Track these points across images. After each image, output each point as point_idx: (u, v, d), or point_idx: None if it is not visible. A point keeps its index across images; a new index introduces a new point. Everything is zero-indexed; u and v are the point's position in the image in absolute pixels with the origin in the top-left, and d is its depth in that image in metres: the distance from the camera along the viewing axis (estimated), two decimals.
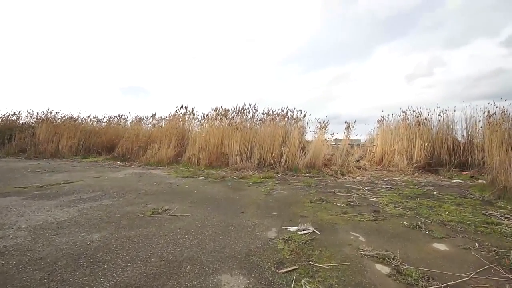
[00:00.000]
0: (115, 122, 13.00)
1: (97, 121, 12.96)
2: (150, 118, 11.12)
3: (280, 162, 8.08)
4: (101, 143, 12.25)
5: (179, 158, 9.33)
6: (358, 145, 14.04)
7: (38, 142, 12.11)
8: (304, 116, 9.41)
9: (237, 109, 9.41)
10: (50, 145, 11.78)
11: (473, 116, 8.86)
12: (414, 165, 8.29)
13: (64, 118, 12.97)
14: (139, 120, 11.44)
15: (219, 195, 4.66)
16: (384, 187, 5.84)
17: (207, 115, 9.49)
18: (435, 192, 5.28)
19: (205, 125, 9.59)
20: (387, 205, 4.08)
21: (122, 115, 12.93)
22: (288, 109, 9.33)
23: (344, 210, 3.73)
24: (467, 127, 8.86)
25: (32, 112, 13.03)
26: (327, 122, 8.86)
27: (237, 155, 8.44)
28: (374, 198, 4.60)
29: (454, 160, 8.42)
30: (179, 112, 10.03)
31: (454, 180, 6.98)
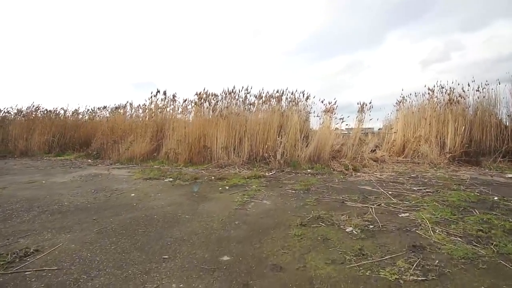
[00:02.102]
0: (97, 114, 11.50)
1: (76, 114, 11.51)
2: (127, 107, 9.55)
3: (275, 155, 6.39)
4: (79, 138, 10.84)
5: (155, 154, 7.75)
6: (373, 133, 12.23)
7: (10, 139, 10.84)
8: (307, 98, 7.63)
9: (226, 93, 7.70)
10: (21, 142, 10.47)
11: None
12: (448, 155, 6.44)
13: (43, 112, 11.60)
14: (116, 110, 9.89)
15: (163, 212, 3.04)
16: (416, 188, 4.08)
17: (185, 101, 7.82)
18: (496, 198, 3.50)
19: (185, 113, 7.95)
20: (433, 231, 2.35)
21: (105, 106, 11.40)
22: (286, 90, 7.56)
23: (358, 247, 2.04)
24: None
25: (15, 107, 11.64)
26: (335, 104, 7.05)
27: (222, 148, 6.79)
28: (407, 213, 2.87)
29: (501, 148, 6.51)
30: (155, 99, 8.40)
31: (509, 175, 5.13)
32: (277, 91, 7.32)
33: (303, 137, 7.05)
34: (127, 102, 9.55)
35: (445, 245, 2.06)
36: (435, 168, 6.06)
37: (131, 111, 9.53)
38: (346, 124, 7.47)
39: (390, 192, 3.85)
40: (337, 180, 4.89)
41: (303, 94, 7.63)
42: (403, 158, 7.80)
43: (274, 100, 7.30)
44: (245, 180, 4.93)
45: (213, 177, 5.26)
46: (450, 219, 2.67)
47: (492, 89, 7.11)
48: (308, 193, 3.90)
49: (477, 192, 3.80)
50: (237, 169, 6.25)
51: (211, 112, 7.36)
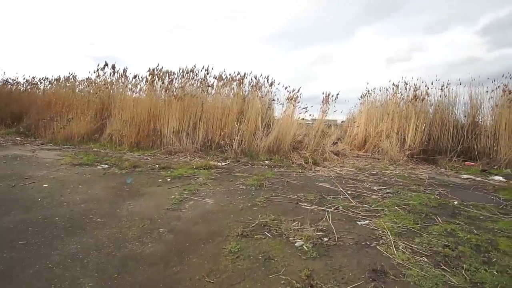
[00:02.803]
0: (37, 86, 9.97)
1: (10, 84, 9.94)
2: (71, 79, 8.32)
3: (232, 144, 5.83)
4: (11, 112, 9.36)
5: (98, 135, 6.82)
6: (336, 125, 12.14)
7: None
8: (272, 84, 7.10)
9: (183, 72, 6.90)
10: None
11: (479, 93, 6.96)
12: (408, 152, 6.35)
13: None
14: (57, 82, 8.60)
15: (71, 213, 2.38)
16: (376, 188, 3.78)
17: (135, 77, 6.91)
18: (456, 202, 3.28)
19: (136, 91, 7.05)
20: (396, 247, 1.98)
21: (47, 78, 9.86)
22: (250, 74, 6.95)
23: (307, 272, 1.58)
24: (472, 104, 6.97)
25: None
26: (298, 92, 6.61)
27: (173, 132, 6.08)
28: (366, 221, 2.50)
29: (456, 147, 6.56)
30: (102, 73, 7.35)
31: (465, 176, 5.09)
32: (238, 73, 6.69)
33: (265, 125, 6.56)
34: (70, 73, 8.31)
35: (410, 269, 1.67)
36: (394, 165, 5.92)
37: (75, 84, 8.33)
38: (310, 114, 7.11)
39: (349, 192, 3.50)
40: (294, 175, 4.48)
41: (267, 79, 7.09)
42: (363, 152, 7.67)
43: (235, 83, 6.67)
44: (193, 171, 4.34)
45: (157, 166, 4.59)
46: (413, 229, 2.34)
47: (452, 89, 7.14)
48: (261, 190, 3.43)
49: (437, 195, 3.59)
50: (189, 157, 5.62)
51: (164, 92, 6.55)
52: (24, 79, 9.97)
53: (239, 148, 5.89)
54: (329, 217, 2.54)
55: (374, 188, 3.78)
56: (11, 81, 10.14)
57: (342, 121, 12.47)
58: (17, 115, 9.13)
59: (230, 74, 6.87)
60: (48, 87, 8.84)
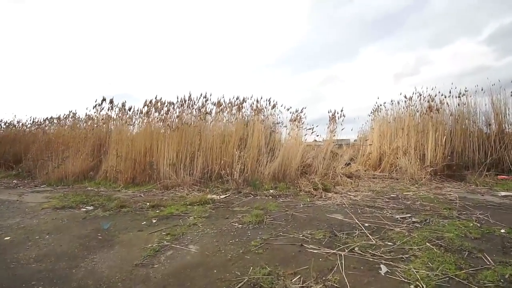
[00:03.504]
0: (41, 126, 9.90)
1: (13, 125, 9.95)
2: (69, 117, 8.18)
3: (231, 173, 5.33)
4: (15, 154, 9.25)
5: (94, 172, 6.47)
6: (347, 144, 11.54)
7: None
8: (274, 107, 6.70)
9: (181, 101, 6.59)
10: None
11: (502, 98, 6.33)
12: (429, 168, 5.67)
13: None
14: (58, 121, 8.48)
15: (8, 278, 1.88)
16: (398, 216, 3.15)
17: (129, 109, 6.64)
18: (502, 231, 2.62)
19: (133, 125, 6.76)
20: None
21: (52, 118, 9.78)
22: (252, 98, 6.57)
23: None
24: (496, 111, 6.31)
25: None
26: (302, 112, 6.16)
27: (169, 165, 5.65)
28: (391, 267, 1.89)
29: (485, 160, 5.84)
30: (99, 108, 7.15)
31: (503, 193, 4.36)
32: (237, 98, 6.33)
33: (269, 150, 6.07)
34: (70, 111, 8.18)
35: None
36: (416, 185, 5.24)
37: (73, 122, 8.17)
38: (317, 135, 6.58)
39: (366, 224, 2.89)
40: (302, 205, 3.89)
41: (269, 101, 6.70)
42: (380, 172, 7.01)
43: (235, 108, 6.30)
44: (185, 208, 3.83)
45: (147, 204, 4.11)
46: (457, 278, 1.72)
47: (471, 96, 6.53)
48: (259, 229, 2.87)
49: (476, 221, 2.93)
50: (186, 191, 5.14)
51: (161, 123, 6.22)
52: (31, 119, 9.95)
53: (241, 177, 5.37)
54: (342, 265, 1.95)
55: (397, 216, 3.15)
56: (16, 123, 10.17)
57: (354, 140, 11.86)
58: (19, 156, 9.00)
59: (230, 100, 6.53)
60: (49, 127, 8.70)
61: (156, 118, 6.34)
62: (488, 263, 1.93)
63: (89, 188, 5.75)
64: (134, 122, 6.53)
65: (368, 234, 2.57)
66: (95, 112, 7.40)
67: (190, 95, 6.49)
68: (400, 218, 3.09)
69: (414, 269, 1.85)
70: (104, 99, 7.24)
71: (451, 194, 4.39)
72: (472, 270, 1.83)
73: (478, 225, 2.79)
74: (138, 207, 3.97)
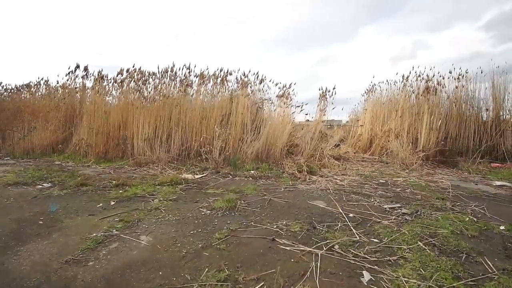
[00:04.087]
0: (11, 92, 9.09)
1: None
2: (41, 85, 7.51)
3: (211, 151, 4.92)
4: None
5: (63, 145, 5.98)
6: (339, 125, 11.18)
7: None
8: (262, 81, 6.19)
9: (163, 72, 6.01)
10: None
11: (502, 82, 5.96)
12: (422, 153, 5.36)
13: None
14: (28, 88, 7.77)
15: None
16: (387, 207, 2.82)
17: (101, 78, 6.04)
18: (502, 227, 2.32)
19: (109, 95, 6.19)
20: None
21: (23, 85, 9.01)
22: (238, 71, 6.03)
23: None
24: (494, 96, 5.96)
25: None
26: (290, 88, 5.70)
27: (144, 140, 5.20)
28: (376, 273, 1.55)
29: (479, 146, 5.56)
30: (72, 76, 6.51)
31: (498, 183, 4.09)
32: (221, 70, 5.80)
33: (255, 128, 5.64)
34: (40, 79, 7.49)
35: None
36: (407, 171, 4.95)
37: (44, 91, 7.52)
38: (306, 114, 6.16)
39: (351, 215, 2.55)
40: (282, 189, 3.55)
41: (257, 75, 6.18)
42: (370, 155, 6.71)
43: (219, 80, 5.78)
44: (153, 188, 3.44)
45: (113, 182, 3.70)
46: None
47: (470, 79, 6.13)
48: (229, 216, 2.51)
49: (471, 214, 2.62)
50: (160, 169, 4.74)
51: (137, 93, 5.68)
52: (3, 87, 9.13)
53: (221, 156, 4.98)
54: (317, 268, 1.60)
55: (385, 206, 2.83)
56: None
57: (347, 122, 11.50)
58: None
59: (214, 72, 5.99)
60: (18, 94, 8.01)
61: (131, 89, 5.78)
62: (490, 271, 1.61)
63: (56, 163, 5.30)
64: (109, 92, 5.94)
65: (352, 228, 2.23)
66: (68, 80, 6.77)
67: (174, 66, 5.92)
68: (389, 208, 2.77)
69: (403, 277, 1.51)
70: (78, 66, 6.60)
71: (443, 182, 4.10)
72: (472, 281, 1.50)
73: (475, 219, 2.48)
74: (101, 186, 3.57)
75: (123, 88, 5.74)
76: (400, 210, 2.69)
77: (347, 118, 11.03)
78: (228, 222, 2.36)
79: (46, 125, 6.08)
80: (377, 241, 2.00)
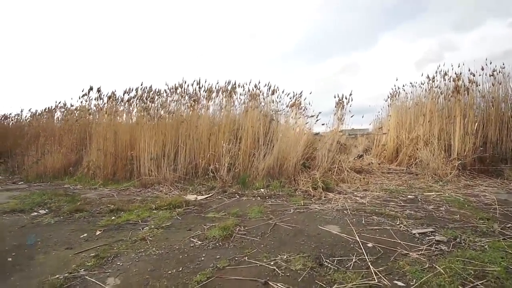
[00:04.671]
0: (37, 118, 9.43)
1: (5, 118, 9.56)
2: (58, 109, 7.65)
3: (217, 168, 4.59)
4: (5, 149, 8.89)
5: (72, 168, 5.93)
6: (363, 135, 10.53)
7: None
8: (274, 92, 5.85)
9: (172, 88, 5.86)
10: None
11: None
12: (457, 162, 4.69)
13: None
14: (48, 113, 7.97)
15: None
16: (417, 232, 2.30)
17: (109, 98, 5.97)
18: None
19: (120, 116, 6.12)
20: None
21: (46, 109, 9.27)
22: (249, 84, 5.75)
23: None
24: None
25: None
26: (301, 96, 5.30)
27: (151, 159, 4.98)
28: None
29: None
30: (86, 98, 6.55)
31: None
32: (229, 82, 5.54)
33: (268, 142, 5.26)
34: (58, 103, 7.66)
35: None
36: (440, 183, 4.31)
37: (63, 115, 7.65)
38: (322, 124, 5.69)
39: (370, 244, 2.07)
40: (292, 210, 3.11)
41: (269, 87, 5.86)
42: (396, 166, 6.08)
43: (226, 93, 5.52)
44: (148, 213, 3.14)
45: (111, 206, 3.45)
46: None
47: (508, 75, 5.40)
48: (221, 248, 2.12)
49: None
50: (165, 189, 4.48)
51: (144, 112, 5.54)
52: (29, 111, 9.46)
53: (230, 174, 4.63)
54: None
55: (414, 232, 2.30)
56: (12, 115, 9.81)
57: (384, 133, 10.80)
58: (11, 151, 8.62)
59: (225, 85, 5.74)
60: (37, 119, 8.23)
61: (138, 107, 5.65)
62: None
63: (65, 186, 5.21)
64: (116, 112, 5.85)
65: (369, 264, 1.76)
66: (81, 103, 6.83)
67: (184, 82, 5.74)
68: (419, 234, 2.25)
69: None
70: (91, 88, 6.63)
71: (486, 196, 3.46)
72: None
73: None
74: (96, 212, 3.32)
75: (131, 107, 5.61)
76: (433, 237, 2.17)
77: (371, 127, 10.37)
78: (218, 256, 1.97)
79: (59, 148, 6.08)
80: (402, 285, 1.52)
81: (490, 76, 5.29)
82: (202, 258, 1.96)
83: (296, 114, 5.18)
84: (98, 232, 2.60)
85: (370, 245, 2.07)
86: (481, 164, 4.79)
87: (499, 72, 5.33)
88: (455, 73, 5.51)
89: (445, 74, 5.69)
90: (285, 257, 1.91)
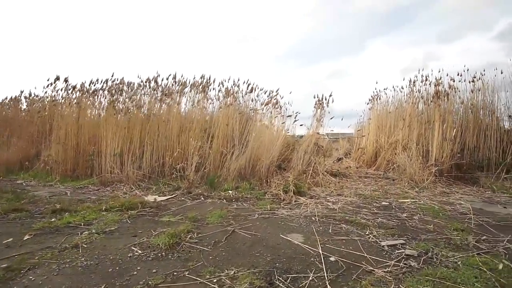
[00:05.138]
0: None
1: None
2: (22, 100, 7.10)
3: (183, 168, 4.28)
4: None
5: (28, 162, 5.45)
6: (343, 138, 10.47)
7: None
8: (253, 90, 5.58)
9: (144, 82, 5.48)
10: None
11: None
12: (434, 168, 4.57)
13: None
14: (11, 102, 7.37)
15: None
16: (386, 245, 2.08)
17: (73, 88, 5.53)
18: None
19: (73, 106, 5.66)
20: None
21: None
22: (228, 80, 5.46)
23: None
24: None
25: None
26: (277, 93, 5.06)
27: (113, 156, 4.61)
28: None
29: (504, 159, 4.73)
30: (47, 89, 6.06)
31: None
32: (203, 77, 5.23)
33: (244, 142, 4.98)
34: (21, 92, 7.10)
35: None
36: (416, 189, 4.16)
37: (27, 105, 7.10)
38: (301, 125, 5.48)
39: (332, 258, 1.83)
40: (256, 216, 2.84)
41: (248, 84, 5.59)
42: (374, 170, 5.93)
43: (199, 89, 5.20)
44: (96, 215, 2.81)
45: (57, 206, 3.08)
46: None
47: (487, 81, 5.34)
48: (164, 259, 1.83)
49: (505, 256, 1.85)
50: (127, 188, 4.12)
51: (109, 105, 5.15)
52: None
53: (198, 174, 4.33)
54: None
55: (383, 244, 2.08)
56: None
57: (363, 136, 10.74)
58: None
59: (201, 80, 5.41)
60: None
61: (106, 100, 5.26)
62: None
63: (18, 182, 4.75)
64: (78, 103, 5.41)
65: (327, 283, 1.51)
66: (45, 93, 6.34)
67: (158, 75, 5.38)
68: (388, 246, 2.02)
69: None
70: (58, 78, 6.15)
71: (462, 204, 3.30)
72: None
73: None
74: (37, 212, 2.95)
75: (96, 99, 5.21)
76: (403, 250, 1.94)
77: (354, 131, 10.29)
78: (154, 270, 1.67)
79: (16, 140, 5.59)
80: None
81: (470, 82, 5.21)
82: (135, 272, 1.65)
83: (271, 113, 4.93)
84: (26, 237, 2.24)
85: (333, 259, 1.82)
86: (458, 171, 4.68)
87: (479, 79, 5.26)
88: (436, 78, 5.41)
89: (426, 79, 5.59)
90: (232, 272, 1.64)
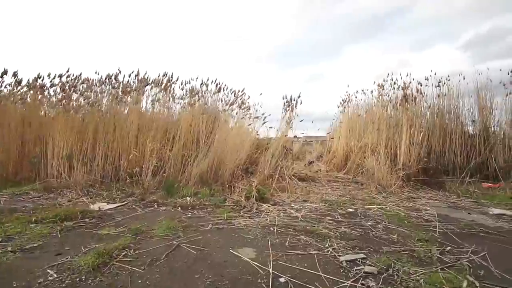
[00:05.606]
0: None
1: None
2: None
3: (139, 172, 3.92)
4: None
5: None
6: (316, 141, 10.44)
7: None
8: (221, 90, 5.32)
9: (103, 78, 5.03)
10: None
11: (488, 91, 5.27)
12: (402, 172, 4.51)
13: None
14: None
15: None
16: (344, 260, 1.87)
17: (18, 83, 5.00)
18: None
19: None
20: None
21: None
22: (196, 79, 5.16)
23: None
24: (481, 106, 5.25)
25: None
26: (243, 93, 4.83)
27: (61, 158, 4.16)
28: None
29: (468, 163, 4.77)
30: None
31: (496, 211, 3.23)
32: (165, 75, 4.89)
33: (210, 144, 4.68)
34: None
35: None
36: (384, 194, 4.06)
37: None
38: (270, 127, 5.27)
39: (282, 279, 1.59)
40: (210, 226, 2.56)
41: (216, 84, 5.31)
42: (344, 174, 5.84)
43: (160, 87, 4.86)
44: (22, 228, 2.40)
45: None
46: None
47: (453, 87, 5.42)
48: (82, 284, 1.50)
49: (469, 271, 1.71)
50: (74, 195, 3.70)
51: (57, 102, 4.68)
52: None
53: (156, 178, 3.98)
54: None
55: (342, 259, 1.87)
56: None
57: (332, 138, 10.77)
58: None
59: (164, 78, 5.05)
60: None
61: (57, 96, 4.78)
62: None
63: None
64: (23, 99, 4.88)
65: None
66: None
67: (119, 72, 4.95)
68: (347, 262, 1.82)
69: None
70: (5, 72, 5.54)
71: (427, 210, 3.21)
72: None
73: (476, 284, 1.55)
74: None
75: (44, 94, 4.72)
76: (362, 267, 1.74)
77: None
78: None
79: None
80: None
81: (436, 86, 5.25)
82: None
83: (237, 113, 4.68)
84: None
85: (283, 279, 1.59)
86: (425, 175, 4.66)
87: (444, 83, 5.31)
88: (404, 82, 5.40)
89: (395, 82, 5.58)
90: None
